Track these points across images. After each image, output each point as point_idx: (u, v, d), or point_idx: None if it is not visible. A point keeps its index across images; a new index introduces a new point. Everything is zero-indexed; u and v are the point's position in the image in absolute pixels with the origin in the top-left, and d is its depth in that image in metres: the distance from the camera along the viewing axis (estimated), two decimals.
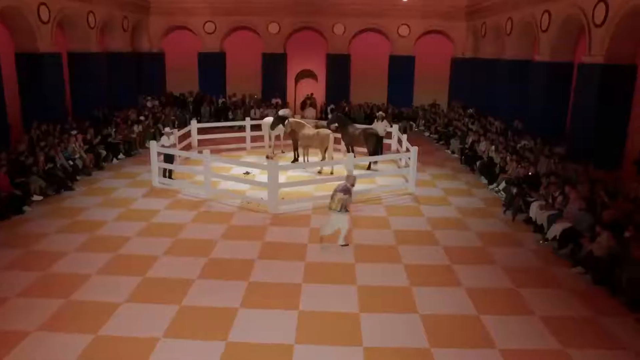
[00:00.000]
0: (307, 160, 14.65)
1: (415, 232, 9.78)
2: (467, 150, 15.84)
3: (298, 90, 25.50)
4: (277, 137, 16.63)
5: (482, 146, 14.87)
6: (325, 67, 24.05)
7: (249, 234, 9.52)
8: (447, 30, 23.22)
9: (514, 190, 11.00)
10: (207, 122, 21.80)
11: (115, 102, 20.15)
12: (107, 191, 12.06)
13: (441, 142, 19.02)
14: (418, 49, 23.44)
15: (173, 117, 20.81)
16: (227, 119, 21.43)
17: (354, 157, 14.70)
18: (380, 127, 15.60)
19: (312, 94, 24.02)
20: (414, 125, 22.53)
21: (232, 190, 11.89)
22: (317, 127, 15.17)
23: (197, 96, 23.69)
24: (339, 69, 23.54)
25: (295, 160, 15.14)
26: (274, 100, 23.49)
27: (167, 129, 12.96)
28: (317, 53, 24.00)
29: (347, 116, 21.67)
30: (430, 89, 24.12)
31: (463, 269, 8.19)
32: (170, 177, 12.91)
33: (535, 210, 9.92)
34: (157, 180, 12.60)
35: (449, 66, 24.21)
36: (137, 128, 17.04)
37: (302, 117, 16.01)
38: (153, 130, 17.72)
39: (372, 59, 24.12)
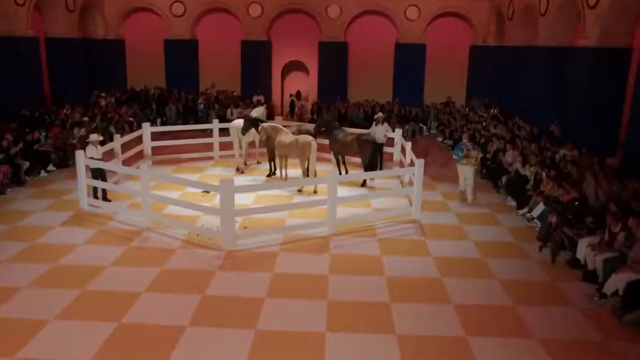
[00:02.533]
0: (285, 174, 12.96)
1: (416, 282, 7.98)
2: (489, 161, 14.08)
3: (286, 86, 23.94)
4: (252, 144, 14.96)
5: (509, 156, 13.09)
6: (317, 57, 22.51)
7: (187, 282, 7.76)
8: (466, 12, 21.68)
9: (554, 219, 9.17)
10: (174, 123, 20.43)
11: (58, 100, 18.57)
12: (16, 216, 10.35)
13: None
14: (430, 35, 22.22)
15: (130, 118, 19.30)
16: (197, 120, 19.77)
17: (345, 170, 13.09)
18: (379, 132, 14.02)
19: (297, 92, 22.38)
20: (425, 128, 21.01)
21: (178, 217, 10.12)
22: (299, 132, 13.44)
23: (162, 92, 22.09)
24: (334, 60, 22.23)
25: (272, 174, 13.50)
26: (255, 98, 21.90)
27: (93, 136, 11.25)
28: (308, 41, 22.63)
29: (343, 117, 20.24)
30: (445, 84, 22.69)
31: (483, 344, 6.35)
32: (104, 197, 11.20)
33: (585, 250, 8.10)
34: (85, 201, 10.89)
35: (467, 56, 22.79)
36: (77, 132, 15.39)
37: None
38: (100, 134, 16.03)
39: (374, 48, 22.82)
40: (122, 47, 22.76)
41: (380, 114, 14.77)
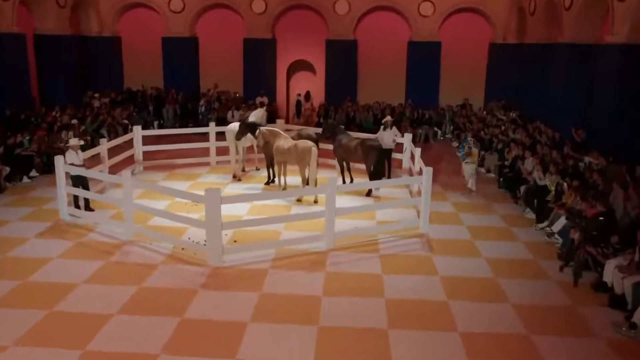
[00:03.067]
0: (285, 182, 12.60)
1: (419, 305, 7.50)
2: (507, 169, 13.56)
3: (291, 87, 23.58)
4: (251, 149, 14.60)
5: (529, 164, 12.56)
6: (324, 57, 22.16)
7: (166, 303, 7.37)
8: (484, 7, 21.17)
9: (576, 236, 8.63)
10: (172, 126, 20.22)
11: (48, 101, 18.36)
12: None
13: None
14: (445, 32, 21.58)
15: (125, 121, 19.07)
16: (197, 123, 19.43)
17: (350, 178, 12.65)
18: (387, 136, 13.63)
19: (307, 92, 22.00)
20: (439, 132, 20.49)
21: (164, 230, 9.75)
22: (299, 137, 13.04)
23: (159, 93, 21.88)
24: (342, 59, 21.71)
25: (270, 181, 13.14)
26: (258, 100, 21.54)
27: (73, 140, 10.94)
28: (315, 39, 22.17)
29: (351, 121, 19.83)
30: (461, 85, 22.12)
31: None
32: (87, 207, 10.88)
33: (612, 272, 7.56)
34: (65, 211, 10.57)
35: (485, 55, 22.20)
36: (65, 135, 15.15)
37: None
38: (89, 137, 15.82)
39: (385, 47, 22.28)
40: (118, 45, 22.55)
41: (388, 117, 14.32)
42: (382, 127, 14.08)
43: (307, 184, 11.91)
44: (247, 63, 22.16)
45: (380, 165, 12.38)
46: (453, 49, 21.71)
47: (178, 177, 14.01)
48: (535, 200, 11.23)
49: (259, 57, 21.94)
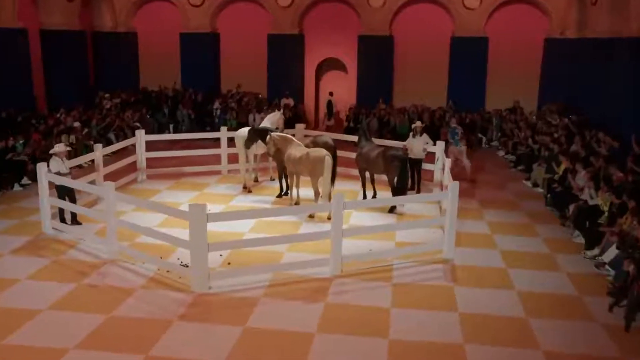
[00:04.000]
0: (297, 194, 12.16)
1: (429, 349, 6.76)
2: (555, 184, 12.60)
3: (321, 88, 23.18)
4: (264, 157, 14.17)
5: (580, 179, 11.58)
6: (357, 55, 21.76)
7: (133, 337, 6.93)
8: None
9: (631, 269, 7.71)
10: (188, 130, 20.08)
11: (54, 101, 18.46)
12: None
13: (520, 168, 15.92)
14: (493, 27, 20.95)
15: (137, 124, 18.97)
16: (214, 128, 19.18)
17: (373, 192, 12.23)
18: (416, 145, 13.18)
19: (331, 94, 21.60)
20: (484, 139, 19.64)
21: (152, 248, 9.36)
22: (315, 144, 12.52)
23: (176, 94, 21.83)
24: (376, 57, 21.31)
25: (283, 193, 12.72)
26: (283, 101, 21.44)
27: (58, 146, 10.70)
28: (347, 35, 21.76)
29: (384, 125, 19.21)
30: (512, 86, 21.20)
31: None
32: (74, 220, 10.67)
33: None
34: (48, 224, 10.36)
35: (541, 52, 21.14)
36: (65, 139, 15.12)
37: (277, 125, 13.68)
38: (92, 142, 15.71)
39: (424, 44, 21.65)
40: (134, 42, 22.70)
41: (418, 122, 13.73)
42: (411, 134, 13.48)
43: (320, 197, 11.36)
44: (271, 61, 21.99)
45: (404, 178, 11.68)
46: (502, 46, 20.93)
47: (183, 187, 13.74)
48: (587, 223, 10.29)
49: (284, 55, 21.72)
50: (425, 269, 9.10)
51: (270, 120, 14.30)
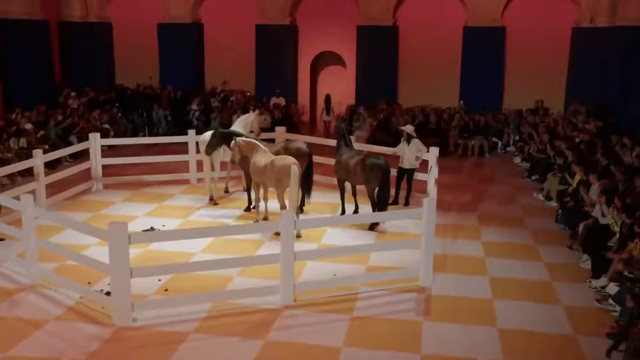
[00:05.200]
0: (265, 208, 11.87)
1: None
2: (568, 198, 11.98)
3: (319, 85, 22.84)
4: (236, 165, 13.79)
5: (593, 193, 10.95)
6: (355, 47, 21.57)
7: None
8: None
9: (632, 306, 7.11)
10: (165, 132, 19.84)
11: (12, 100, 18.33)
12: None
13: (534, 178, 15.32)
14: (511, 15, 20.73)
15: (106, 125, 18.78)
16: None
17: (354, 206, 12.02)
18: (408, 152, 12.79)
19: (327, 97, 21.27)
20: (500, 143, 19.24)
21: (76, 271, 8.96)
22: (286, 151, 12.07)
23: (154, 92, 21.71)
24: (378, 50, 21.11)
25: (253, 207, 12.33)
26: (273, 100, 21.15)
27: None
28: (345, 25, 21.57)
29: (385, 127, 18.74)
30: (534, 82, 20.73)
31: None
32: None
33: None
34: None
35: (567, 43, 20.65)
36: (14, 143, 14.89)
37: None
38: (47, 146, 15.50)
39: (433, 34, 21.39)
40: (108, 34, 22.61)
41: (408, 126, 13.21)
42: (402, 139, 13.00)
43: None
44: (260, 56, 21.82)
45: (385, 190, 11.19)
46: (522, 37, 20.61)
47: (142, 199, 13.41)
48: (595, 245, 9.64)
49: (274, 49, 21.55)
50: (395, 298, 8.57)
51: (243, 122, 13.89)
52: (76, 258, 8.52)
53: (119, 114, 20.07)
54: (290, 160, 10.88)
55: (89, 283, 8.75)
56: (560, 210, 12.09)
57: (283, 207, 11.02)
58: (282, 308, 8.18)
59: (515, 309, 8.31)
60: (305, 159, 12.09)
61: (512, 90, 20.89)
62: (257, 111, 14.55)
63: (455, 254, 10.24)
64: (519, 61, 20.66)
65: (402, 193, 12.95)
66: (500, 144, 19.21)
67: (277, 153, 11.88)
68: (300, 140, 13.12)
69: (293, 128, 20.00)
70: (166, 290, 8.72)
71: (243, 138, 11.90)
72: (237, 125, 13.73)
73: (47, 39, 19.92)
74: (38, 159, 12.00)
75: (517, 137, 18.96)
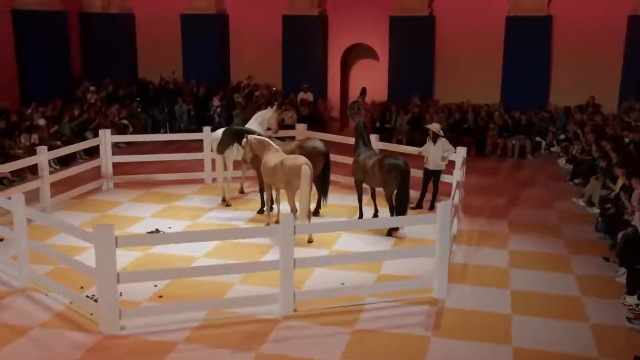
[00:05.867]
0: (278, 210, 11.89)
1: None
2: (609, 204, 11.56)
3: (351, 81, 22.84)
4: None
5: (636, 199, 10.51)
6: (388, 38, 21.36)
7: None
8: None
9: None
10: (185, 128, 20.06)
11: (30, 94, 18.73)
12: None
13: (577, 181, 14.91)
14: (558, 3, 20.26)
15: (123, 121, 19.04)
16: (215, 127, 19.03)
17: (374, 209, 11.97)
18: (434, 152, 12.59)
19: (363, 90, 21.06)
20: (543, 143, 18.87)
21: (70, 274, 9.04)
22: (300, 150, 11.98)
23: (178, 87, 21.94)
24: (412, 42, 20.79)
25: (268, 208, 12.21)
26: (301, 96, 21.23)
27: None
28: (378, 15, 21.31)
29: (417, 125, 18.51)
30: (584, 77, 20.13)
31: None
32: None
33: None
34: None
35: (623, 33, 19.95)
36: (25, 139, 15.19)
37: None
38: (60, 142, 15.79)
39: (473, 25, 20.92)
40: (131, 26, 22.91)
41: (434, 124, 12.93)
42: (428, 138, 12.79)
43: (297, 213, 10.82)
44: (287, 48, 21.84)
45: (403, 193, 10.98)
46: (570, 27, 20.06)
47: (151, 199, 13.53)
48: (633, 257, 9.24)
49: (303, 41, 21.54)
50: (403, 311, 8.39)
51: (260, 118, 13.86)
52: (64, 261, 8.60)
53: (139, 109, 20.29)
54: (301, 160, 10.78)
55: (82, 287, 8.82)
56: (600, 218, 11.69)
57: (294, 210, 10.95)
58: (280, 318, 8.08)
59: (535, 325, 8.01)
60: (321, 158, 12.00)
61: (559, 85, 20.37)
62: (274, 107, 14.52)
63: (477, 263, 10.02)
64: (567, 53, 20.12)
65: (429, 196, 12.74)
66: (544, 143, 18.76)
67: (291, 152, 11.79)
68: (317, 139, 13.00)
69: (321, 125, 20.00)
70: (160, 296, 8.73)
71: (254, 136, 11.83)
72: (253, 122, 13.71)
73: (66, 30, 20.26)
74: (42, 156, 12.19)
75: (563, 137, 18.46)
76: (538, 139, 18.69)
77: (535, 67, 20.10)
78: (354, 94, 22.21)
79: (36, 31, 19.15)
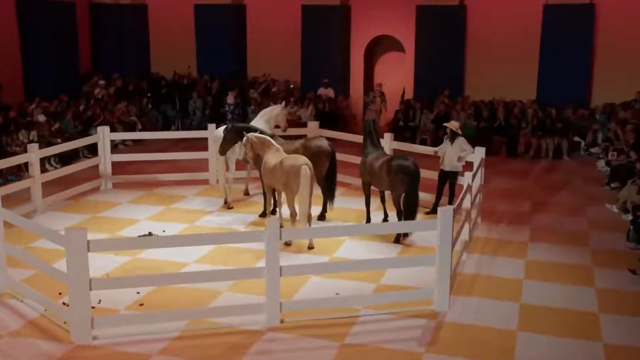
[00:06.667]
0: (280, 213, 11.97)
1: None
2: None
3: (378, 76, 22.86)
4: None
5: None
6: (414, 30, 21.19)
7: None
8: None
9: None
10: (198, 125, 20.19)
11: (34, 88, 19.08)
12: None
13: (614, 185, 14.60)
14: None
15: (132, 117, 19.30)
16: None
17: (384, 214, 12.11)
18: (450, 152, 12.44)
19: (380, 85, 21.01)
20: (583, 143, 18.62)
21: (50, 280, 9.15)
22: (305, 149, 11.98)
23: (192, 82, 22.13)
24: (439, 34, 20.75)
25: (271, 211, 12.39)
26: (321, 91, 21.24)
27: None
28: (404, 4, 21.25)
29: (442, 120, 18.38)
30: (630, 70, 19.69)
31: None
32: None
33: None
34: None
35: None
36: (24, 136, 15.47)
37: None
38: (60, 140, 16.03)
39: (507, 15, 20.69)
40: (143, 17, 23.16)
41: (452, 122, 12.77)
42: (445, 138, 12.68)
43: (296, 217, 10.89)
44: (306, 40, 21.90)
45: (412, 197, 10.86)
46: (616, 14, 19.68)
47: (150, 200, 13.70)
48: None
49: (323, 33, 21.53)
50: (398, 324, 8.28)
51: (266, 115, 13.87)
52: (37, 265, 8.70)
53: (150, 106, 20.51)
54: (300, 160, 10.75)
55: (60, 294, 8.88)
56: (632, 226, 11.40)
57: (293, 214, 10.99)
58: (265, 330, 8.05)
59: (542, 344, 7.80)
60: (326, 158, 11.97)
61: (601, 79, 19.99)
62: (283, 103, 14.52)
63: (489, 273, 9.88)
64: (611, 45, 19.70)
65: (445, 200, 12.59)
66: (583, 144, 18.43)
67: (295, 151, 11.81)
68: (323, 138, 12.95)
69: (341, 124, 19.98)
70: (141, 305, 8.76)
71: (255, 134, 11.84)
72: (259, 120, 13.72)
73: (73, 22, 20.61)
74: (32, 154, 12.37)
75: (603, 137, 18.09)
76: (577, 138, 18.42)
77: (575, 59, 19.78)
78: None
79: (42, 22, 19.53)
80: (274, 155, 11.25)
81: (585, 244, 11.28)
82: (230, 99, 20.08)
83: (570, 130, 18.31)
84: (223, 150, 12.52)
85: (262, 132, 12.05)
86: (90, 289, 7.70)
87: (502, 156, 17.85)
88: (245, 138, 11.76)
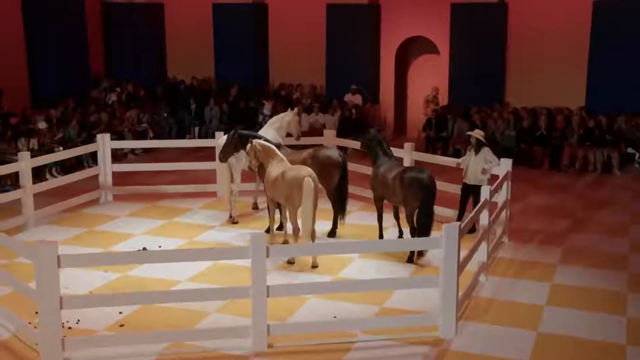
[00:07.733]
0: (285, 229, 12.08)
1: None
2: None
3: (411, 81, 22.78)
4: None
5: None
6: (449, 32, 21.25)
7: None
8: None
9: None
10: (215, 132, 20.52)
11: (42, 94, 19.48)
12: None
13: None
14: None
15: (143, 125, 19.62)
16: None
17: (398, 230, 12.15)
18: (473, 164, 12.38)
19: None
20: (637, 156, 18.47)
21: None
22: (314, 158, 12.09)
23: (210, 87, 22.43)
24: (478, 35, 20.66)
25: (277, 227, 12.43)
26: (348, 97, 21.41)
27: None
28: (436, 2, 21.29)
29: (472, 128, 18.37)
30: None
31: None
32: None
33: None
34: None
35: None
36: (22, 145, 15.79)
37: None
38: (63, 148, 16.37)
39: (553, 12, 20.59)
40: (159, 16, 23.55)
41: (477, 131, 12.67)
42: (468, 148, 12.67)
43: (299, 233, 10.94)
44: (331, 42, 22.07)
45: (427, 211, 10.83)
46: None
47: (151, 213, 13.88)
48: None
49: (350, 34, 21.63)
50: (398, 352, 8.25)
51: (277, 123, 13.90)
52: (10, 282, 8.83)
53: (164, 113, 20.81)
54: (303, 171, 10.80)
55: (37, 312, 9.03)
56: None
57: (296, 230, 11.04)
58: (251, 355, 8.07)
59: None
60: (336, 169, 12.01)
61: None
62: (295, 110, 14.54)
63: (507, 298, 9.74)
64: None
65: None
66: (637, 156, 18.19)
67: (302, 162, 11.87)
68: (334, 147, 12.98)
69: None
70: (122, 325, 8.84)
71: (260, 141, 11.89)
72: (268, 128, 13.75)
73: (82, 22, 21.00)
74: (23, 163, 12.61)
75: None
76: (630, 150, 18.12)
77: (630, 62, 19.46)
78: (412, 96, 22.20)
79: (50, 23, 19.96)
80: (277, 166, 11.29)
81: (623, 267, 11.07)
82: (267, 109, 20.28)
83: (622, 141, 18.02)
84: (224, 158, 12.57)
85: (266, 140, 12.11)
86: (61, 308, 7.81)
87: (544, 169, 17.65)
88: (249, 145, 11.84)
